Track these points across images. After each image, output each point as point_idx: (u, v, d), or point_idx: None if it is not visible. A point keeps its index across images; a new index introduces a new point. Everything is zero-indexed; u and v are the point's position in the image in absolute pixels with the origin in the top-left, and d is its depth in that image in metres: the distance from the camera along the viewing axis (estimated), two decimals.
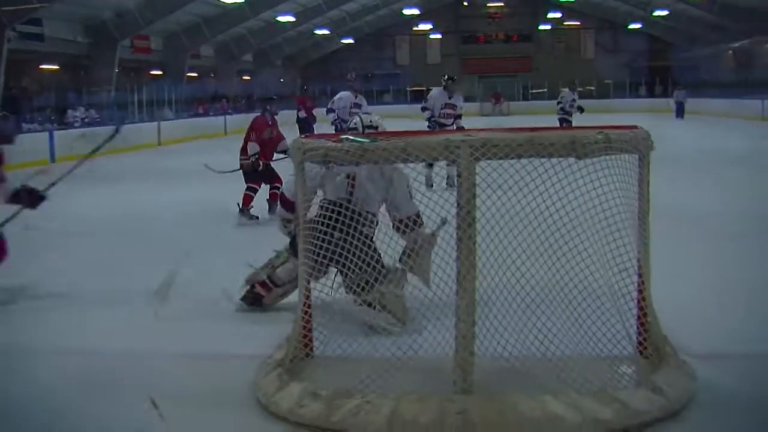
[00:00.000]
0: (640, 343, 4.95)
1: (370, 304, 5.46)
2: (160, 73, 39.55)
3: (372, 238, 5.86)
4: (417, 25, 54.85)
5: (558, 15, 53.32)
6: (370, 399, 4.26)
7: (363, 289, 5.37)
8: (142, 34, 35.01)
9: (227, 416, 4.59)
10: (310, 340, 5.16)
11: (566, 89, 23.16)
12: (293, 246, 6.03)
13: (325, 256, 5.02)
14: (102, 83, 31.94)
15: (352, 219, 5.14)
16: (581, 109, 22.46)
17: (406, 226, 6.14)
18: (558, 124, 20.50)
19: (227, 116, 39.07)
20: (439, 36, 58.24)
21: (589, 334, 4.89)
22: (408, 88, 55.26)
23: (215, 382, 5.02)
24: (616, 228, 4.75)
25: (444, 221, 5.52)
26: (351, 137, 4.61)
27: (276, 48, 50.38)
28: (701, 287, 7.00)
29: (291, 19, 41.26)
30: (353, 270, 5.20)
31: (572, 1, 47.89)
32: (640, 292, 4.93)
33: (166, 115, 35.12)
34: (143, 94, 34.66)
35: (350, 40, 55.00)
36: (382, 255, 5.62)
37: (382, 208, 6.31)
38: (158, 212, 12.79)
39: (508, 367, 4.68)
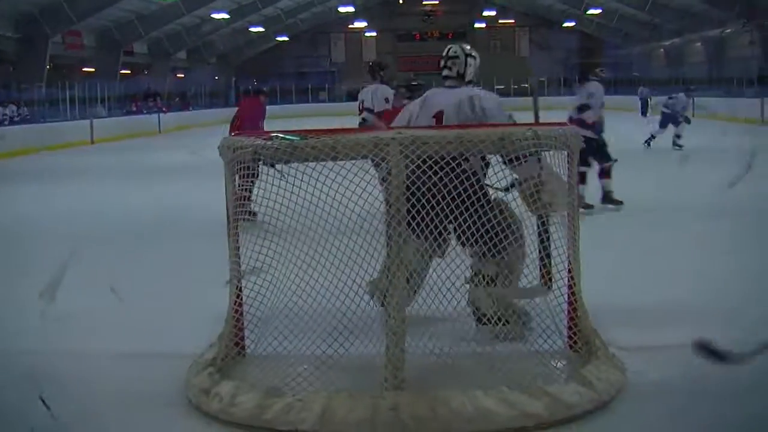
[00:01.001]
0: (570, 337, 4.99)
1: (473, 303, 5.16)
2: (92, 70, 39.10)
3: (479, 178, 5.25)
4: (352, 23, 54.90)
5: (493, 13, 53.78)
6: (301, 397, 4.23)
7: (494, 254, 4.96)
8: (74, 29, 34.54)
9: (157, 416, 4.53)
10: (242, 339, 5.11)
11: (681, 93, 20.55)
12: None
13: (434, 223, 4.68)
14: (32, 80, 31.44)
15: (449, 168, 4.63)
16: (688, 120, 20.18)
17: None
18: (659, 125, 20.20)
19: (161, 114, 38.65)
20: (374, 34, 58.40)
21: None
22: (343, 87, 55.31)
23: (145, 382, 4.94)
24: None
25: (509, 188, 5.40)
26: (281, 135, 4.58)
27: (210, 45, 50.10)
28: (630, 280, 7.08)
29: (225, 16, 41.09)
30: (475, 231, 4.85)
31: (506, 0, 48.24)
32: (570, 287, 4.97)
33: (99, 113, 34.69)
34: (75, 91, 34.21)
35: (285, 38, 54.85)
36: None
37: None
38: (88, 210, 12.63)
39: (439, 363, 4.69)
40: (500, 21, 57.13)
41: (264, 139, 4.58)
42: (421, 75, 54.77)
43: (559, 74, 54.98)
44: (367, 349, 4.67)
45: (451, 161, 4.57)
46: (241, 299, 4.98)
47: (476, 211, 4.86)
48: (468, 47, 6.31)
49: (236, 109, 12.94)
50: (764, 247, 8.35)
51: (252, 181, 4.88)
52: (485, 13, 53.98)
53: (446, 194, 4.70)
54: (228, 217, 4.97)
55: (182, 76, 49.50)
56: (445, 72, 6.14)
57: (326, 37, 59.64)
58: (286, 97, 50.61)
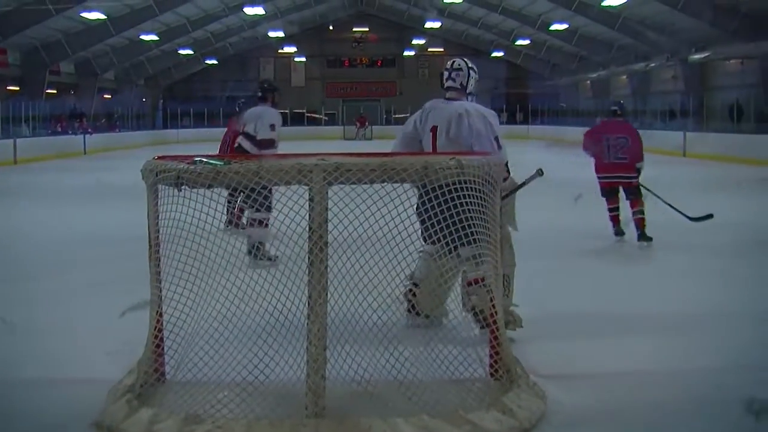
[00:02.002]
0: (491, 366, 5.02)
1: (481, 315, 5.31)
2: (17, 88, 38.49)
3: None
4: (282, 48, 54.86)
5: (422, 41, 54.15)
6: (221, 424, 4.21)
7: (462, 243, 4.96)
8: None
9: None
10: (162, 364, 5.04)
11: None
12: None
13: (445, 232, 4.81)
14: None
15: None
16: None
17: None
18: None
19: (87, 135, 38.15)
20: (303, 59, 58.42)
21: (441, 357, 4.94)
22: None
23: (62, 409, 4.85)
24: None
25: (540, 172, 5.95)
26: (205, 159, 4.55)
27: (138, 67, 49.66)
28: (551, 309, 7.15)
29: (154, 38, 40.77)
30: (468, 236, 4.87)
31: (436, 29, 48.57)
32: (491, 315, 5.00)
33: (23, 132, 34.15)
34: None
35: (214, 61, 54.61)
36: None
37: None
38: (6, 230, 12.41)
39: (360, 390, 4.69)
40: (429, 49, 57.51)
41: (187, 163, 4.55)
42: (349, 101, 55.25)
43: (487, 104, 55.47)
44: (287, 377, 4.64)
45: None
46: (162, 324, 4.92)
47: (477, 215, 4.88)
48: (469, 62, 6.74)
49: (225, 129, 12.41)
50: (688, 276, 8.51)
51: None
52: (415, 42, 54.36)
53: (451, 207, 4.75)
54: (150, 241, 4.92)
55: (109, 97, 48.93)
56: (449, 83, 6.55)
57: (256, 61, 59.51)
58: (213, 120, 50.30)
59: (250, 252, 8.44)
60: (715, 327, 6.74)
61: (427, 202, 4.86)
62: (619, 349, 6.11)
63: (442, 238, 4.92)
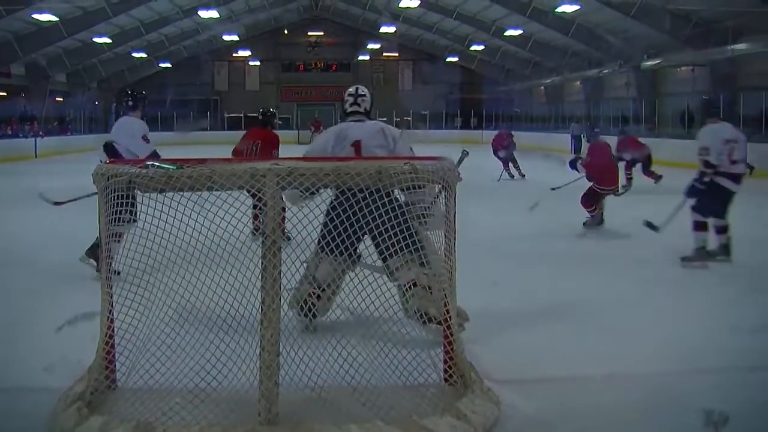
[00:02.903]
0: (445, 371, 5.02)
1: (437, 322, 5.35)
2: None
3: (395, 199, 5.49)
4: (236, 52, 54.66)
5: (377, 46, 54.14)
6: (173, 431, 4.16)
7: (404, 267, 5.35)
8: None
9: None
10: (113, 371, 4.98)
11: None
12: (321, 245, 5.72)
13: (350, 238, 4.98)
14: None
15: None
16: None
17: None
18: None
19: (38, 138, 37.70)
20: (258, 63, 58.27)
21: (395, 362, 4.93)
22: (225, 114, 55.08)
23: (10, 418, 4.79)
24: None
25: (466, 153, 6.41)
26: (157, 163, 4.51)
27: (91, 69, 49.19)
28: (505, 314, 7.16)
29: (107, 40, 40.46)
30: (391, 247, 5.08)
31: (391, 33, 48.62)
32: (445, 320, 4.99)
33: None
34: None
35: (168, 65, 54.27)
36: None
37: None
38: None
39: (313, 396, 4.66)
40: (384, 54, 57.60)
41: (139, 167, 4.50)
42: (304, 105, 55.18)
43: (441, 108, 55.76)
44: (240, 383, 4.61)
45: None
46: (113, 330, 4.86)
47: (398, 224, 4.94)
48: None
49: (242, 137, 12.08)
50: (648, 281, 8.56)
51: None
52: (369, 46, 54.32)
53: (366, 214, 4.82)
54: (101, 247, 4.86)
55: (61, 99, 48.39)
56: (354, 108, 6.97)
57: (210, 65, 59.24)
58: (167, 124, 50.01)
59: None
60: (672, 331, 6.80)
61: (347, 207, 4.94)
62: (574, 353, 6.13)
63: (348, 248, 5.09)
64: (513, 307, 7.47)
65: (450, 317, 4.95)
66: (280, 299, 4.33)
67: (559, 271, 9.32)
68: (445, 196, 4.95)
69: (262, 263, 4.34)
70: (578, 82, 45.88)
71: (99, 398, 4.76)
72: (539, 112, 48.51)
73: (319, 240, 5.62)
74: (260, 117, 11.93)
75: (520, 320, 7.07)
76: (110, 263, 4.89)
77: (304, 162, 4.58)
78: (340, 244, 4.98)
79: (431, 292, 5.67)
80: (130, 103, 9.54)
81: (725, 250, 9.50)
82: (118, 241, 8.39)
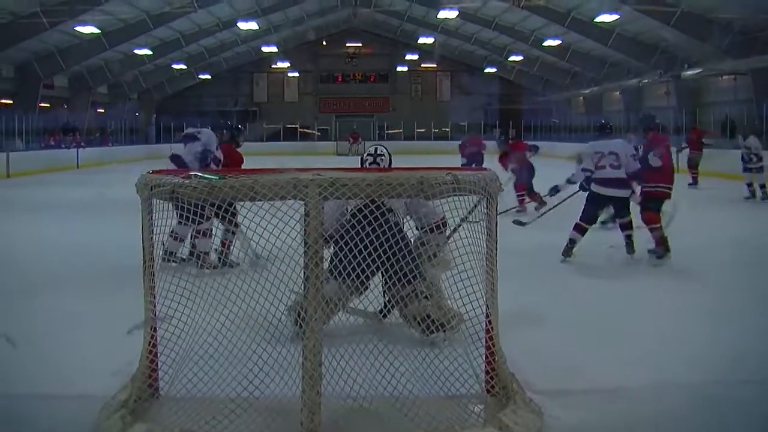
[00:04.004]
0: (487, 382, 5.01)
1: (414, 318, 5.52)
2: (10, 102, 38.41)
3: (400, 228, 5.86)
4: (275, 63, 54.82)
5: (415, 57, 54.13)
6: None
7: (410, 300, 5.42)
8: None
9: None
10: (156, 380, 5.01)
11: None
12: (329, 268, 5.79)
13: (363, 267, 4.92)
14: None
15: (385, 222, 5.01)
16: None
17: (432, 231, 6.50)
18: None
19: (80, 149, 38.02)
20: (296, 74, 58.46)
21: (437, 373, 4.92)
22: (265, 126, 55.32)
23: (55, 424, 4.83)
24: (464, 268, 4.81)
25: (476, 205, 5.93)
26: (200, 174, 4.53)
27: (132, 81, 49.68)
28: (545, 324, 7.14)
29: (148, 52, 40.82)
30: (397, 279, 5.25)
31: (429, 44, 48.61)
32: (487, 331, 4.98)
33: (16, 146, 34.03)
34: None
35: (207, 76, 54.59)
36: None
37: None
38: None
39: (355, 407, 4.66)
40: (422, 65, 57.59)
41: (182, 177, 4.53)
42: (342, 116, 55.30)
43: (480, 119, 55.72)
44: (282, 392, 4.61)
45: (378, 215, 4.81)
46: (156, 339, 4.89)
47: (402, 257, 5.01)
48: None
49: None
50: (686, 292, 8.49)
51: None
52: (407, 57, 54.32)
53: (375, 244, 4.87)
54: (144, 257, 4.89)
55: (102, 111, 48.84)
56: (374, 167, 6.95)
57: (249, 76, 59.52)
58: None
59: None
60: (714, 339, 6.75)
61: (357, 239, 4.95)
62: (615, 363, 6.09)
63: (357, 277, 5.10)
64: (553, 317, 7.44)
65: (493, 327, 4.94)
66: (322, 309, 4.34)
67: (598, 280, 9.27)
68: (487, 206, 4.94)
69: (304, 273, 4.35)
70: (617, 92, 45.65)
71: (142, 406, 4.79)
72: (578, 122, 48.24)
73: (330, 259, 5.76)
74: (224, 133, 11.15)
75: (560, 330, 7.04)
76: (153, 274, 4.91)
77: (346, 173, 4.58)
78: (351, 272, 4.97)
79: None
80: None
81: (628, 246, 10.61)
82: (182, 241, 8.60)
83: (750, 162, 19.18)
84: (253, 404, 4.61)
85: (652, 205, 10.27)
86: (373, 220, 4.79)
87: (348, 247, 4.98)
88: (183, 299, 4.78)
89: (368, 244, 4.83)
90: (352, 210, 5.76)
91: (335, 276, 5.57)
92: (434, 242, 6.50)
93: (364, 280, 5.33)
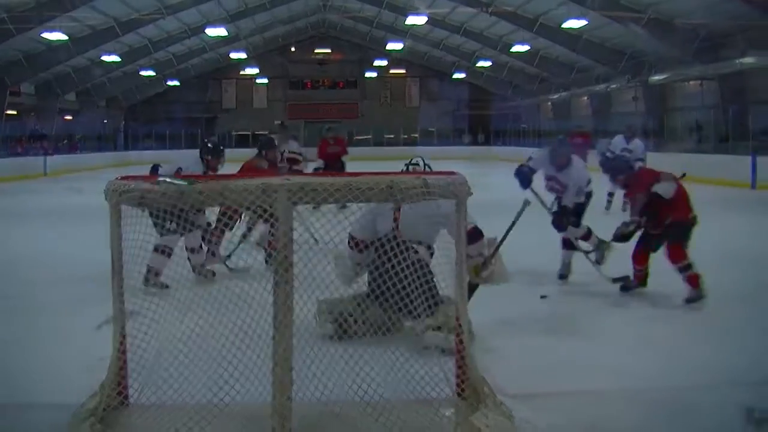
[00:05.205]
0: (458, 385, 5.01)
1: (438, 328, 5.61)
2: None
3: (426, 264, 6.04)
4: (244, 70, 54.69)
5: (384, 63, 54.20)
6: None
7: (427, 313, 5.46)
8: None
9: None
10: (125, 387, 4.97)
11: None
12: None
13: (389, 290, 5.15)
14: None
15: (401, 248, 5.14)
16: None
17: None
18: None
19: (47, 157, 37.72)
20: (265, 81, 58.33)
21: (407, 377, 4.92)
22: (233, 132, 55.16)
23: None
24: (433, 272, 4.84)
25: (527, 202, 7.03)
26: (168, 179, 4.51)
27: (100, 88, 49.31)
28: (516, 328, 7.16)
29: (116, 59, 40.54)
30: (414, 297, 5.17)
31: (398, 51, 48.68)
32: (457, 335, 4.98)
33: None
34: None
35: (176, 83, 54.36)
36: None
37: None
38: None
39: (326, 412, 4.65)
40: (391, 71, 57.71)
41: (151, 183, 4.51)
42: (311, 123, 55.24)
43: (449, 125, 55.88)
44: (253, 398, 4.60)
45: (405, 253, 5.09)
46: (125, 346, 4.86)
47: (423, 293, 5.27)
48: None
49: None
50: (657, 296, 8.53)
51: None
52: (376, 63, 54.38)
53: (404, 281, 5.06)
54: (113, 262, 4.86)
55: (70, 118, 48.50)
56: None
57: (217, 83, 59.37)
58: (175, 142, 50.06)
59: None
60: (684, 345, 6.81)
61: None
62: (586, 368, 6.14)
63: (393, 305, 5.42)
64: (525, 322, 7.47)
65: (462, 331, 4.95)
66: (292, 314, 4.33)
67: (569, 285, 9.30)
68: (457, 210, 4.95)
69: (274, 278, 4.34)
70: (585, 97, 45.89)
71: (112, 414, 4.76)
72: (546, 127, 48.44)
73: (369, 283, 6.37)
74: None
75: (532, 334, 7.08)
76: (122, 280, 4.88)
77: (316, 177, 4.58)
78: (386, 299, 5.31)
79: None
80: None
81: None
82: (169, 256, 8.51)
83: None
84: (224, 410, 4.60)
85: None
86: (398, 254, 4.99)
87: (381, 279, 5.31)
88: (153, 305, 4.75)
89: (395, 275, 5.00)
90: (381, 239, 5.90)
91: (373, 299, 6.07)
92: (473, 253, 6.80)
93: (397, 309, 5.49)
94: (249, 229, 9.60)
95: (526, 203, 7.34)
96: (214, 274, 8.38)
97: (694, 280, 8.18)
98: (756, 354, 6.48)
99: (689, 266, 8.24)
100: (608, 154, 14.22)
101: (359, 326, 6.24)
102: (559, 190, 9.43)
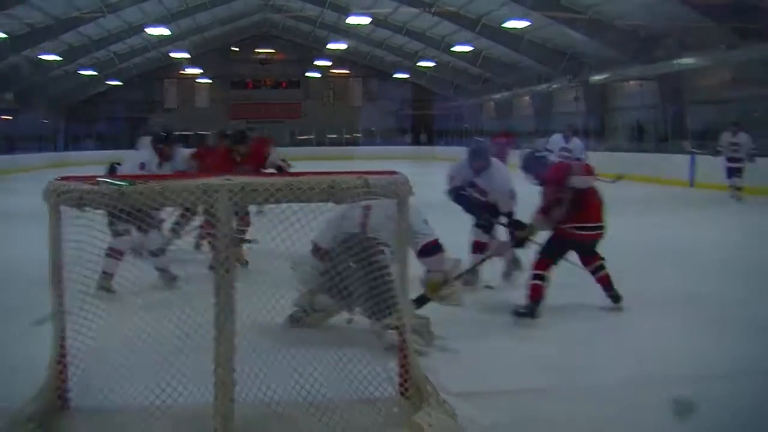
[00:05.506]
0: (401, 384, 5.02)
1: (395, 328, 5.42)
2: None
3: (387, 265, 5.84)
4: (185, 69, 54.30)
5: (327, 63, 54.12)
6: None
7: (386, 313, 5.33)
8: None
9: None
10: (66, 391, 4.92)
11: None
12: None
13: (348, 288, 5.25)
14: None
15: (367, 248, 5.32)
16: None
17: (426, 254, 6.99)
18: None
19: None
20: (208, 81, 57.98)
21: (350, 376, 4.93)
22: (176, 132, 54.68)
23: None
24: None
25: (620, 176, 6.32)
26: (108, 180, 4.47)
27: (40, 87, 48.62)
28: (458, 327, 7.18)
29: (56, 58, 40.05)
30: (375, 296, 5.22)
31: (341, 50, 48.64)
32: (400, 333, 5.00)
33: None
34: None
35: (117, 82, 53.80)
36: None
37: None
38: None
39: (269, 413, 4.64)
40: (334, 71, 57.63)
41: (90, 183, 4.46)
42: (254, 123, 54.97)
43: (391, 125, 55.98)
44: (195, 400, 4.57)
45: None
46: (65, 349, 4.80)
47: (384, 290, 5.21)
48: None
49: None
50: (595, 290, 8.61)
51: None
52: (319, 63, 54.31)
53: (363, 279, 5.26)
54: (52, 265, 4.79)
55: (9, 118, 47.80)
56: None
57: (159, 82, 58.89)
58: (117, 142, 49.56)
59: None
60: (624, 342, 6.89)
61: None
62: (527, 366, 6.19)
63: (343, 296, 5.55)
64: (466, 321, 7.49)
65: (405, 331, 4.96)
66: (234, 315, 4.31)
67: (510, 283, 9.34)
68: (398, 209, 4.97)
69: (215, 279, 4.32)
70: (527, 97, 46.21)
71: (51, 419, 4.70)
72: (489, 126, 48.71)
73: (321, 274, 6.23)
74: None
75: (474, 333, 7.11)
76: (61, 283, 4.82)
77: (256, 178, 4.57)
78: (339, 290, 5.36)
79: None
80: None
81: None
82: (119, 259, 8.39)
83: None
84: (166, 413, 4.57)
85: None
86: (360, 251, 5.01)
87: (335, 270, 5.36)
88: (93, 307, 4.70)
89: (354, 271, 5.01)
90: (344, 236, 5.88)
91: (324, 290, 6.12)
92: (432, 267, 7.05)
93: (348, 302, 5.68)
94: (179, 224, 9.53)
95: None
96: (175, 278, 8.19)
97: (534, 293, 7.77)
98: (693, 350, 6.60)
99: (540, 277, 7.82)
100: (546, 153, 14.25)
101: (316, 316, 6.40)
102: (483, 195, 9.13)
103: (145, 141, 9.92)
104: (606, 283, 8.09)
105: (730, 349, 6.68)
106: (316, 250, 6.57)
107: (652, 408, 5.30)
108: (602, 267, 8.10)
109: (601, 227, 8.00)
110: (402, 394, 5.02)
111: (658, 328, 7.40)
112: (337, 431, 4.39)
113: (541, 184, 8.21)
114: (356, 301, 5.56)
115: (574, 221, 7.85)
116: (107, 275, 7.89)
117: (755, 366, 6.28)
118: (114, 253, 7.99)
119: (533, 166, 8.48)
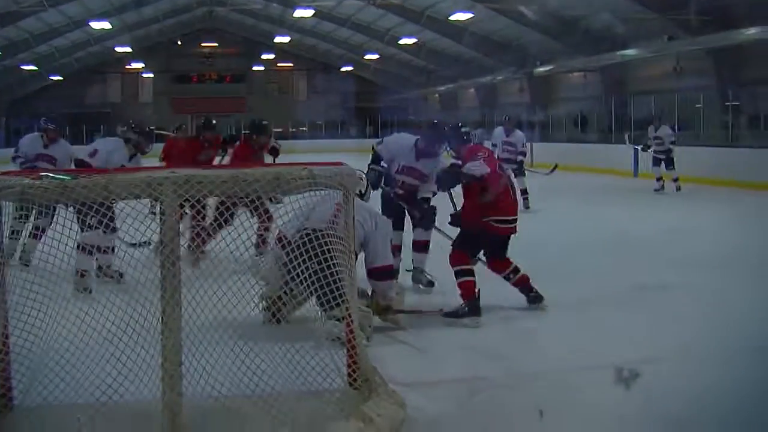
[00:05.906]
0: (349, 375, 5.03)
1: (339, 319, 5.42)
2: None
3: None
4: (129, 64, 53.78)
5: (271, 56, 53.99)
6: None
7: (334, 304, 5.24)
8: None
9: None
10: (9, 390, 4.84)
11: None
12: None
13: (305, 282, 5.03)
14: None
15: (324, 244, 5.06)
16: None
17: (377, 277, 7.07)
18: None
19: None
20: (151, 75, 57.50)
21: (298, 368, 4.92)
22: (119, 127, 54.17)
23: None
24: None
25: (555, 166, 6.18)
26: (51, 174, 4.41)
27: None
28: (406, 319, 7.20)
29: None
30: (323, 287, 5.12)
31: (285, 43, 48.47)
32: (347, 324, 5.00)
33: None
34: None
35: (59, 77, 53.14)
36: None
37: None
38: None
39: (217, 406, 4.62)
40: (278, 64, 57.45)
41: (33, 178, 4.39)
42: (199, 117, 54.51)
43: (337, 118, 55.94)
44: (142, 395, 4.54)
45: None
46: (8, 347, 4.72)
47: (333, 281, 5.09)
48: None
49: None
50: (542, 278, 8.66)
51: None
52: (263, 56, 54.12)
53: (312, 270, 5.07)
54: None
55: None
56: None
57: (102, 77, 58.25)
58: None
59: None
60: (572, 331, 6.96)
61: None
62: (474, 355, 6.24)
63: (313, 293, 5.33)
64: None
65: (352, 321, 4.97)
66: (180, 308, 4.28)
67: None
68: (344, 200, 4.98)
69: (161, 272, 4.29)
70: (472, 89, 46.42)
71: None
72: (434, 118, 48.88)
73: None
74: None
75: (420, 323, 7.13)
76: (3, 279, 4.75)
77: (201, 170, 4.54)
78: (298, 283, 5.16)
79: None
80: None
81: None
82: (106, 252, 8.28)
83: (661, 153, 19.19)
84: (113, 408, 4.52)
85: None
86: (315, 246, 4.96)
87: (292, 264, 5.11)
88: (36, 303, 4.64)
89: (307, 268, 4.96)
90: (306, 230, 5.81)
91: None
92: (379, 291, 7.08)
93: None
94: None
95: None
96: (121, 275, 8.03)
97: (467, 291, 7.42)
98: (639, 338, 6.68)
99: (465, 272, 7.55)
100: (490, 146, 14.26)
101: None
102: (419, 180, 8.94)
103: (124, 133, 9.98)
104: (525, 284, 7.81)
105: (670, 337, 6.75)
106: (279, 239, 6.56)
107: (595, 390, 5.37)
108: (517, 270, 7.81)
109: (515, 221, 7.79)
110: (351, 384, 5.02)
111: (601, 317, 7.47)
112: (287, 423, 4.37)
113: (458, 158, 8.10)
114: (307, 291, 5.55)
115: (492, 213, 7.59)
116: (85, 274, 7.76)
117: (696, 352, 6.37)
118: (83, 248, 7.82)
119: (455, 137, 8.61)
